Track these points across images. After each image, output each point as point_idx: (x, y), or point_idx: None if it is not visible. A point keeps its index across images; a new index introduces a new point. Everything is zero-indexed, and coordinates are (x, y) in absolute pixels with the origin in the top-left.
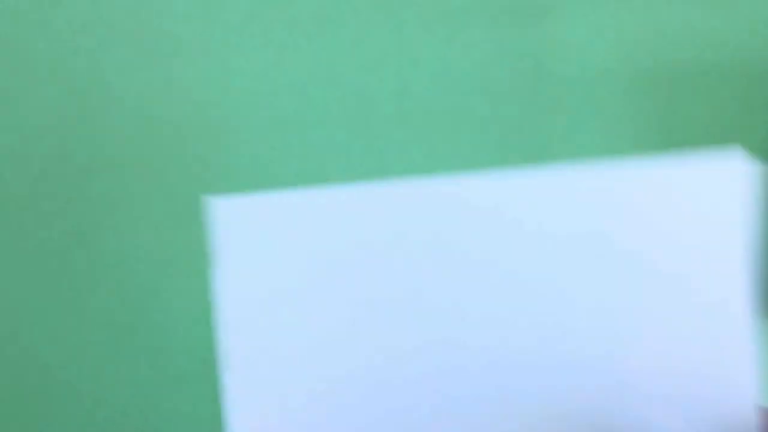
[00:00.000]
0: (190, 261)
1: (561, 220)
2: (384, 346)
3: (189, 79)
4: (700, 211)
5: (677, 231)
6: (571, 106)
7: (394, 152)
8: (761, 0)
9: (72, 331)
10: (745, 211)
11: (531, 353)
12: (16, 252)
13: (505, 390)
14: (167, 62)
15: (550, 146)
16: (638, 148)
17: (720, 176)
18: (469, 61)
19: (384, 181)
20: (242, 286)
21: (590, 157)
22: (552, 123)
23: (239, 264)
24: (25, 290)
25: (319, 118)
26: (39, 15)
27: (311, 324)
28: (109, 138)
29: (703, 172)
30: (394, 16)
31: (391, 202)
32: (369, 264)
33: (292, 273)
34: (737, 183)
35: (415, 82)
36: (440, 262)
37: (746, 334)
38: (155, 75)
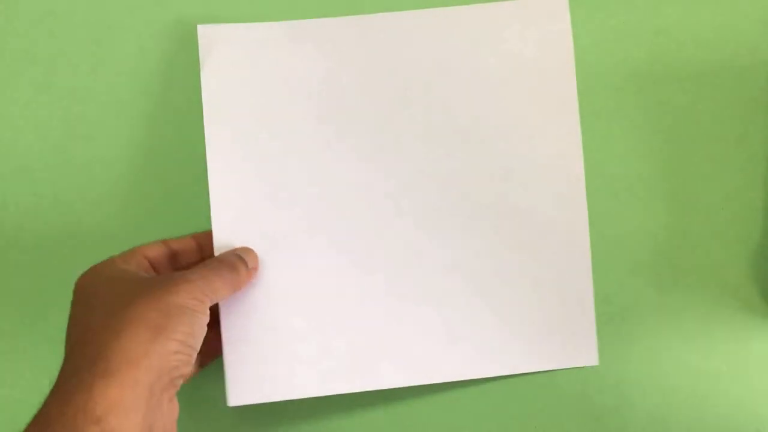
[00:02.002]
0: None
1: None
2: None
3: None
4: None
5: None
6: None
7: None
8: (761, 0)
9: None
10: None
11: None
12: None
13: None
14: None
15: None
16: (638, 148)
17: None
18: None
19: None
20: (223, 96)
21: (589, 158)
22: None
23: (221, 79)
24: None
25: None
26: None
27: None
28: None
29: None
30: None
31: (353, 33)
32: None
33: (264, 88)
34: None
35: None
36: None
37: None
38: None
